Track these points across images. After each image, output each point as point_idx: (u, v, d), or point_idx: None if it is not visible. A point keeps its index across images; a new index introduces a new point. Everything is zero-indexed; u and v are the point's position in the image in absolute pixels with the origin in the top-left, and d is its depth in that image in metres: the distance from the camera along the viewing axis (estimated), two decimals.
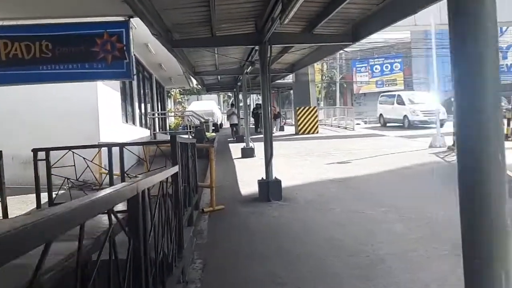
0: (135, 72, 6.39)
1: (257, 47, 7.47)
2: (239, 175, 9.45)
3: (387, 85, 63.05)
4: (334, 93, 55.09)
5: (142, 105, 15.77)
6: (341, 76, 58.08)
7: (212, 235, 5.03)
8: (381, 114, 24.80)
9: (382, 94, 26.93)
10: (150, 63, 15.70)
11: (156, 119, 17.68)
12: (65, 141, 8.13)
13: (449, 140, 12.72)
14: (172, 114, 26.57)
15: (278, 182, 6.81)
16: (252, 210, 6.17)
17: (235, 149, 14.05)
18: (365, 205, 6.19)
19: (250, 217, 5.74)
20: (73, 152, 6.27)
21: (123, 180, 6.37)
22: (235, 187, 8.05)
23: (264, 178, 6.96)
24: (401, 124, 21.96)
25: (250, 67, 10.24)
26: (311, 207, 6.22)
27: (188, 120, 19.34)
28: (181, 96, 34.91)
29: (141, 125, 14.78)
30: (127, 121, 12.26)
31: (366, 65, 63.78)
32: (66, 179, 6.24)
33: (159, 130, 18.64)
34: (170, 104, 31.86)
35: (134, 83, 13.44)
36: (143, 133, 14.31)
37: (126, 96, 12.48)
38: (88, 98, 9.06)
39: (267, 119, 7.08)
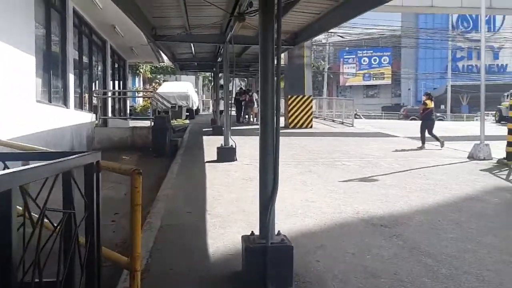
0: None
1: None
2: (209, 198, 5.78)
3: (374, 78, 60.70)
4: (320, 83, 51.79)
5: (85, 79, 11.73)
6: (328, 66, 54.81)
7: None
8: None
9: None
10: (100, 24, 11.68)
11: (109, 100, 13.64)
12: None
13: (497, 151, 9.45)
14: (136, 95, 22.36)
15: (285, 248, 3.18)
16: None
17: (211, 145, 10.35)
18: None
19: None
20: None
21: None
22: (200, 233, 4.38)
23: (258, 234, 3.33)
24: None
25: (237, 24, 6.35)
26: None
27: (154, 103, 15.42)
28: (153, 74, 30.36)
29: (80, 106, 10.75)
30: (50, 101, 8.31)
31: (354, 56, 61.07)
32: None
33: (114, 115, 14.65)
34: (137, 83, 27.54)
35: (70, 47, 9.45)
36: (82, 119, 10.33)
37: (51, 63, 8.50)
38: None
39: (268, 116, 3.41)
